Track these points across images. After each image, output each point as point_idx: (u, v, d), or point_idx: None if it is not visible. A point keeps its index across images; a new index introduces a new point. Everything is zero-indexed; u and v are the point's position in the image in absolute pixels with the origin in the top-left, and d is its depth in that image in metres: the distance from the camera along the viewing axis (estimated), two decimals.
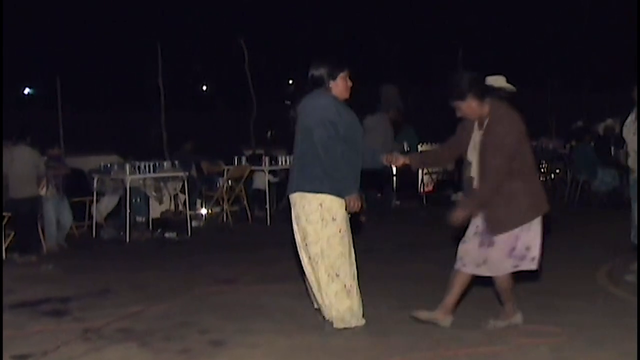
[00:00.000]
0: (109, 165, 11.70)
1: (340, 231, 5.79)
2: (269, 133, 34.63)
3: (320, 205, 5.76)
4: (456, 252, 5.77)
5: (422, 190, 14.59)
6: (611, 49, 30.03)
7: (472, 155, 5.67)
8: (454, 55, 17.89)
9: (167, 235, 11.25)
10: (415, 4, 32.17)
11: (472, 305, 6.39)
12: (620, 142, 12.00)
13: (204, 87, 41.38)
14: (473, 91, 5.58)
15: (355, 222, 6.17)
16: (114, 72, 30.41)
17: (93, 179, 11.63)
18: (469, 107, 5.60)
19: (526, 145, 5.59)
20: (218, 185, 12.87)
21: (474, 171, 5.63)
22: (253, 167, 12.96)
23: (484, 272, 5.67)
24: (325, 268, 5.78)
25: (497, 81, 8.39)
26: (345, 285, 5.80)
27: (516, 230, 5.53)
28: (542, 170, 15.25)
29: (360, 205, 5.82)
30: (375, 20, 33.42)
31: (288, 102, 47.87)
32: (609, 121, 17.00)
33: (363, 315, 5.88)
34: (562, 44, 31.19)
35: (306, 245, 5.84)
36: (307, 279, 5.96)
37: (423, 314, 5.88)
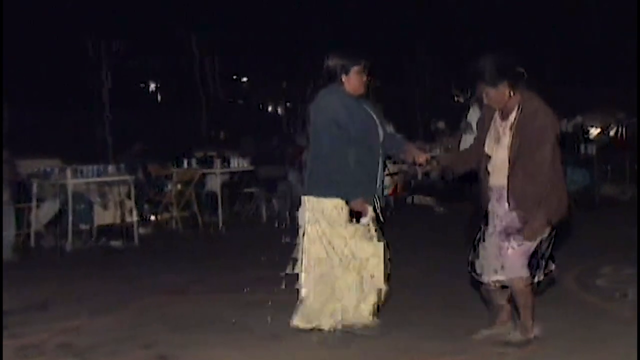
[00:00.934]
0: (49, 169, 11.50)
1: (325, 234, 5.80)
2: (221, 133, 34.57)
3: (335, 208, 5.79)
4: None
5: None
6: (577, 44, 30.50)
7: (492, 148, 5.46)
8: (411, 55, 17.99)
9: (112, 243, 11.11)
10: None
11: (439, 313, 6.39)
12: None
13: (152, 85, 41.15)
14: (508, 77, 5.33)
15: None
16: (53, 69, 30.08)
17: (32, 184, 11.42)
18: (501, 95, 5.36)
19: (557, 146, 5.37)
20: (167, 189, 12.76)
21: (492, 165, 5.43)
22: (204, 170, 12.89)
23: (499, 277, 5.48)
24: (357, 270, 5.83)
25: None
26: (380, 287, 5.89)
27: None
28: None
29: (366, 209, 5.77)
30: (328, 14, 33.52)
31: (241, 101, 47.88)
32: (578, 118, 17.26)
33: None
34: (523, 38, 31.64)
35: (333, 248, 5.82)
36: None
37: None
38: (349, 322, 5.89)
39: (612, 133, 20.04)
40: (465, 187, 8.33)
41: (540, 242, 5.41)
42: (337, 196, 5.74)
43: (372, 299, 5.90)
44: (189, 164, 12.82)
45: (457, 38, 32.31)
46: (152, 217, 12.64)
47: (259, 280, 8.03)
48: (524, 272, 5.40)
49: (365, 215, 5.82)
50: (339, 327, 5.88)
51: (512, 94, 5.33)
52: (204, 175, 13.00)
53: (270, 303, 6.82)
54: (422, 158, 6.03)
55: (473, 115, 8.20)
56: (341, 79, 5.86)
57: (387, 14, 33.88)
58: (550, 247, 5.51)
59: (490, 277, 5.48)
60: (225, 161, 13.01)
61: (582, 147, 14.48)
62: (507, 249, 5.37)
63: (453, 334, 5.84)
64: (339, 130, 5.69)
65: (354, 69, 5.86)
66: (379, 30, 33.35)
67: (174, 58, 28.93)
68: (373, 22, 34.18)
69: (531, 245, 5.38)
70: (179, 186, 12.60)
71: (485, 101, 5.49)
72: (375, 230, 5.90)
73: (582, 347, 5.49)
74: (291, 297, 7.21)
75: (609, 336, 5.74)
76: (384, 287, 5.91)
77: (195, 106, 18.53)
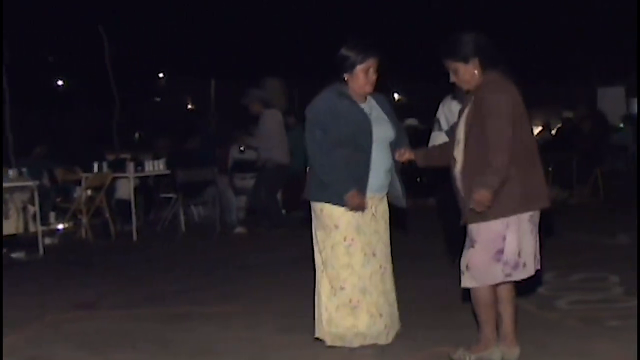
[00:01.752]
0: None
1: (345, 239, 5.84)
2: (136, 134, 34.31)
3: (321, 211, 5.89)
4: None
5: None
6: (518, 39, 31.13)
7: (461, 133, 5.45)
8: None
9: (14, 255, 10.98)
10: None
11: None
12: None
13: (60, 82, 40.58)
14: (481, 55, 5.36)
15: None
16: None
17: None
18: (469, 73, 5.37)
19: (524, 126, 5.29)
20: (75, 195, 12.65)
21: (458, 151, 5.39)
22: (116, 174, 12.80)
23: (467, 282, 5.43)
24: (329, 279, 5.87)
25: None
26: (350, 300, 5.83)
27: (500, 227, 5.26)
28: None
29: (363, 202, 5.80)
30: (259, 9, 33.55)
31: (158, 99, 47.45)
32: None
33: (392, 336, 5.97)
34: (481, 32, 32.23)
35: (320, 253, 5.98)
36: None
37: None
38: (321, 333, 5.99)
39: (553, 131, 20.44)
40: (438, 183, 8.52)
41: (503, 238, 5.28)
42: (329, 199, 5.86)
43: (340, 310, 5.90)
44: (99, 167, 12.70)
45: (405, 37, 32.69)
46: (59, 226, 12.53)
47: (176, 293, 8.07)
48: (497, 276, 5.37)
49: (363, 207, 5.84)
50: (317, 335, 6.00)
51: (481, 73, 5.36)
52: (115, 179, 12.91)
53: (191, 316, 6.89)
54: (404, 155, 5.99)
55: (441, 112, 8.39)
56: (344, 77, 5.93)
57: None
58: (530, 240, 5.39)
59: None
60: (139, 165, 12.93)
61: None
62: (469, 248, 5.41)
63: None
64: (320, 130, 5.85)
65: (360, 67, 5.89)
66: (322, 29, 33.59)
67: (81, 51, 28.58)
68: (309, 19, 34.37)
69: (494, 243, 5.30)
70: (88, 192, 12.51)
71: (452, 78, 5.50)
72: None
73: (520, 356, 5.64)
74: (216, 309, 7.30)
75: (543, 346, 5.91)
76: (355, 300, 5.88)
77: (106, 104, 18.33)
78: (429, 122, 9.21)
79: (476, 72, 5.35)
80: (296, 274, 8.78)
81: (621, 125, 22.16)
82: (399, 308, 6.10)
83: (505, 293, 5.47)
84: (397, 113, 6.39)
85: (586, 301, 7.34)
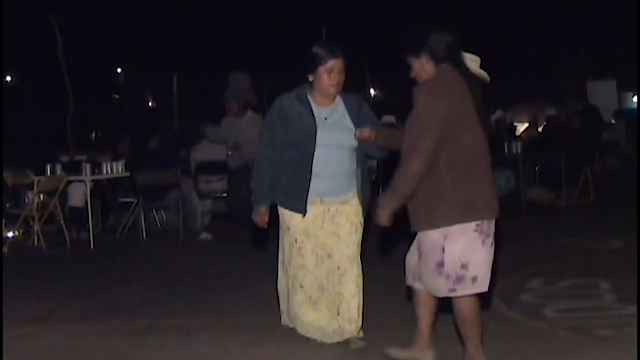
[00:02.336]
0: None
1: (296, 241, 6.25)
2: (93, 134, 34.18)
3: (279, 212, 6.37)
4: None
5: None
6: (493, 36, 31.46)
7: None
8: (316, 36, 18.17)
9: None
10: None
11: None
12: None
13: (8, 78, 40.37)
14: (429, 49, 5.44)
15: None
16: None
17: None
18: (421, 67, 5.47)
19: (467, 131, 5.31)
20: (27, 200, 12.58)
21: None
22: (70, 177, 12.71)
23: (420, 286, 5.60)
24: (290, 277, 6.33)
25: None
26: (310, 297, 6.24)
27: (437, 238, 5.30)
28: None
29: (263, 220, 6.33)
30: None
31: (116, 96, 47.32)
32: (499, 112, 17.60)
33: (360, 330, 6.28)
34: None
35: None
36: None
37: (397, 353, 5.82)
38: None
39: (540, 129, 20.52)
40: None
41: (442, 250, 5.31)
42: (279, 203, 6.35)
43: (302, 307, 6.32)
44: (52, 170, 12.60)
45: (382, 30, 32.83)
46: (9, 234, 12.44)
47: (136, 306, 8.05)
48: (441, 290, 5.43)
49: (261, 225, 6.37)
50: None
51: (433, 67, 5.43)
52: (69, 183, 12.82)
53: (152, 329, 6.87)
54: (364, 134, 6.13)
55: None
56: (308, 78, 6.21)
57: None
58: (478, 252, 5.36)
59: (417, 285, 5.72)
60: (96, 167, 12.86)
61: (506, 145, 14.70)
62: (419, 257, 5.53)
63: None
64: (266, 133, 6.33)
65: (322, 67, 6.11)
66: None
67: (31, 44, 28.46)
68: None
69: (434, 254, 5.35)
70: (41, 197, 12.43)
71: (411, 73, 5.59)
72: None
73: None
74: (180, 322, 7.29)
75: (529, 358, 5.96)
76: (314, 296, 6.27)
77: (60, 102, 18.24)
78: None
79: (428, 66, 5.44)
80: (263, 284, 8.78)
81: (613, 121, 22.31)
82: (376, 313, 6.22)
83: (424, 298, 5.60)
84: (375, 109, 6.53)
85: (575, 309, 7.40)
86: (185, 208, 13.05)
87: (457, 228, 5.25)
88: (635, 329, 6.50)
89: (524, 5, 33.18)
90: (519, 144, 14.83)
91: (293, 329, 6.50)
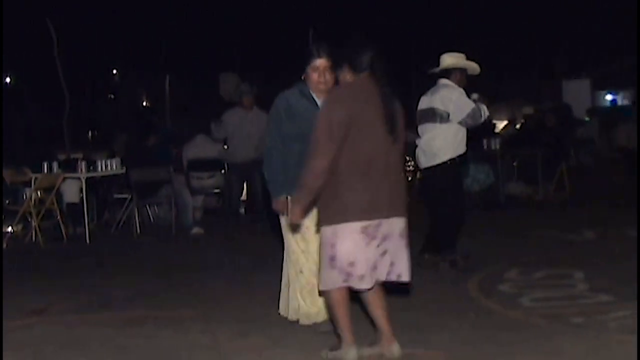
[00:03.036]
0: None
1: (300, 227, 6.27)
2: (89, 133, 34.08)
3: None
4: None
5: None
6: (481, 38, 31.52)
7: None
8: (304, 38, 18.16)
9: None
10: None
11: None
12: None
13: (8, 80, 40.23)
14: (349, 61, 5.67)
15: None
16: None
17: None
18: (344, 77, 5.73)
19: (366, 136, 5.43)
20: (25, 197, 12.55)
21: None
22: (66, 175, 12.69)
23: (319, 285, 5.75)
24: (292, 263, 6.44)
25: (447, 59, 8.74)
26: (308, 283, 6.33)
27: (329, 234, 5.44)
28: (408, 167, 15.35)
29: (282, 210, 6.30)
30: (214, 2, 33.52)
31: (112, 96, 47.11)
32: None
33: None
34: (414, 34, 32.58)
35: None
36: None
37: (367, 351, 5.75)
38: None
39: (518, 126, 20.58)
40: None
41: (332, 246, 5.46)
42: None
43: (302, 292, 6.41)
44: (49, 168, 12.59)
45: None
46: (8, 229, 12.41)
47: (130, 298, 8.05)
48: (336, 281, 5.53)
49: (282, 214, 6.38)
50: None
51: (352, 77, 5.67)
52: (65, 181, 12.79)
53: (146, 320, 6.88)
54: None
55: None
56: (302, 76, 6.45)
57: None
58: (362, 253, 5.46)
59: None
60: (91, 164, 12.85)
61: (486, 142, 14.74)
62: None
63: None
64: (273, 127, 6.42)
65: (310, 66, 6.33)
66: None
67: (29, 45, 28.31)
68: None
69: (327, 248, 5.50)
70: (38, 193, 12.41)
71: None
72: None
73: (482, 358, 5.71)
74: (172, 313, 7.30)
75: (506, 345, 5.98)
76: (312, 283, 6.28)
77: (57, 102, 18.17)
78: None
79: (348, 76, 5.67)
80: (254, 277, 8.81)
81: (587, 118, 22.41)
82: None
83: (370, 297, 5.65)
84: None
85: (550, 298, 7.41)
86: (177, 204, 13.07)
87: (345, 227, 5.41)
88: (607, 316, 6.58)
89: (501, 7, 33.24)
90: (497, 140, 14.86)
91: (284, 319, 6.56)
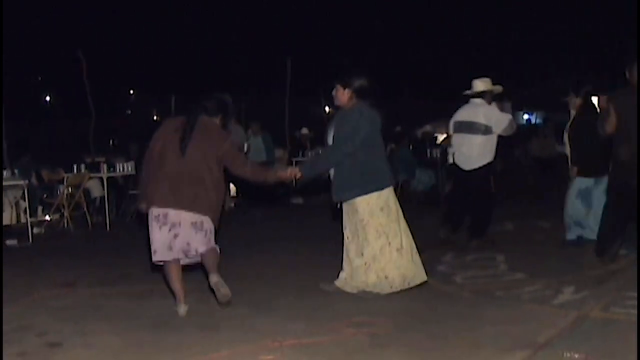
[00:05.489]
0: None
1: (392, 209, 6.70)
2: (110, 141, 33.85)
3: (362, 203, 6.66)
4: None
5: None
6: (430, 61, 31.52)
7: None
8: (283, 66, 18.13)
9: (8, 242, 10.77)
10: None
11: (295, 296, 6.53)
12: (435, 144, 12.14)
13: (48, 98, 39.99)
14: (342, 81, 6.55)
15: None
16: None
17: None
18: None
19: (169, 156, 6.13)
20: (58, 192, 12.48)
21: None
22: (92, 174, 12.66)
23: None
24: (356, 246, 6.68)
25: (480, 85, 8.75)
26: (365, 263, 6.57)
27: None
28: None
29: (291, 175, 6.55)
30: (212, 38, 33.42)
31: (129, 112, 46.78)
32: (428, 127, 17.72)
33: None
34: (383, 55, 32.42)
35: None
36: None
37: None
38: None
39: None
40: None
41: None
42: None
43: (359, 270, 6.61)
44: (78, 169, 12.55)
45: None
46: (46, 218, 12.33)
47: (141, 275, 8.00)
48: None
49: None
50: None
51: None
52: (91, 179, 12.76)
53: (154, 292, 6.84)
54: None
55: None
56: None
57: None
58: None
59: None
60: (111, 166, 12.82)
61: (429, 151, 14.83)
62: None
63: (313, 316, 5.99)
64: (362, 139, 6.53)
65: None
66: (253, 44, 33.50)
67: (66, 71, 28.13)
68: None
69: None
70: (69, 189, 12.34)
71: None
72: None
73: (420, 323, 5.70)
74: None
75: (442, 313, 6.01)
76: (368, 263, 6.56)
77: (85, 116, 18.07)
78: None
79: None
80: (246, 257, 8.79)
81: None
82: None
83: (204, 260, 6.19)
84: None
85: (478, 276, 7.44)
86: None
87: (150, 212, 6.01)
88: (522, 290, 6.61)
89: (441, 37, 33.26)
90: (438, 150, 14.93)
91: (265, 290, 6.58)
